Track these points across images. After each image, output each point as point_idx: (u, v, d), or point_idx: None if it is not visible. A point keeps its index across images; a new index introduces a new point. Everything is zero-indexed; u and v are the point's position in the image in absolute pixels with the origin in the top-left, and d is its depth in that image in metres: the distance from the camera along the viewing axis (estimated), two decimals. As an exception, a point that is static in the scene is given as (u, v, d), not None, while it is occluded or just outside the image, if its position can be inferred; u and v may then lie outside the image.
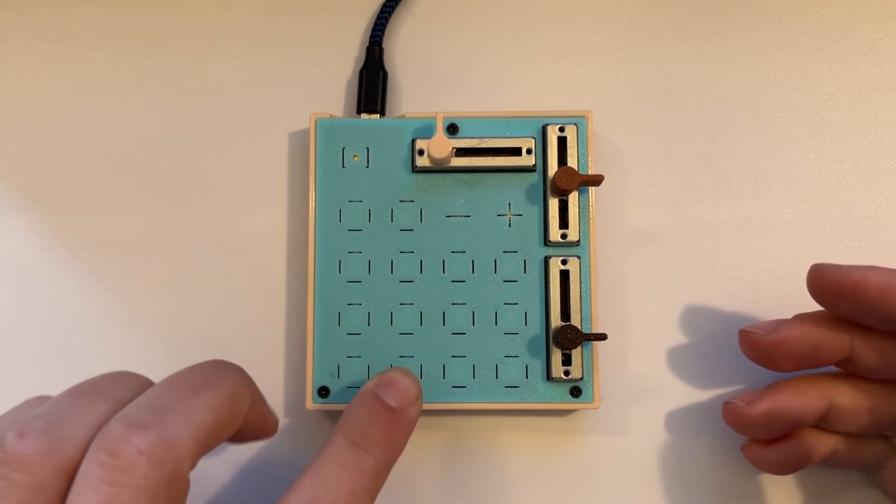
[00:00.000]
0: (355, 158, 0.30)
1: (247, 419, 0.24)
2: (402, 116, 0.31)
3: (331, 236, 0.30)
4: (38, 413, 0.21)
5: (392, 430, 0.25)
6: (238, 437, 0.25)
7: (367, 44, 0.33)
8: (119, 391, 0.22)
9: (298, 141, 0.32)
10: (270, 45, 0.33)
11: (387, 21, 0.32)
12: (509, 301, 0.30)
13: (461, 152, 0.30)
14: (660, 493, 0.30)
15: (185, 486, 0.21)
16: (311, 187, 0.30)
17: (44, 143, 0.33)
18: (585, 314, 0.29)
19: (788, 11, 0.33)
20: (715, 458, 0.30)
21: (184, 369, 0.23)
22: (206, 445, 0.22)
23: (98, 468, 0.19)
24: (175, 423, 0.21)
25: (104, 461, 0.19)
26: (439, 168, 0.30)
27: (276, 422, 0.26)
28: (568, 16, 0.33)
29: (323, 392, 0.29)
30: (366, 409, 0.25)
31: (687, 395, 0.31)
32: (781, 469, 0.28)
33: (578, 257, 0.29)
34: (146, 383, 0.24)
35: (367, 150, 0.30)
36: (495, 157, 0.30)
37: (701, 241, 0.32)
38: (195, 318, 0.31)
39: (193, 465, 0.21)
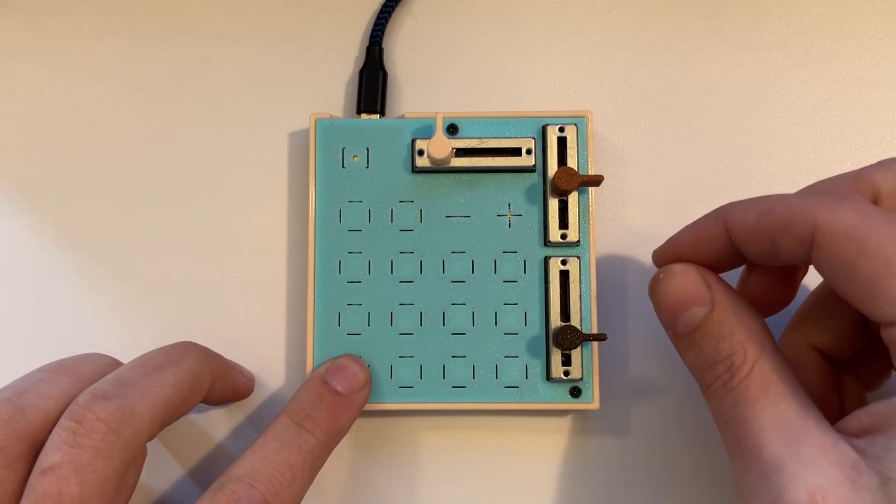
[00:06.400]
0: (355, 159, 0.30)
1: (213, 389, 0.27)
2: (402, 116, 0.31)
3: (331, 236, 0.30)
4: (6, 386, 0.24)
5: (336, 412, 0.27)
6: (211, 402, 0.29)
7: (366, 44, 0.33)
8: (83, 368, 0.25)
9: (298, 141, 0.32)
10: (270, 45, 0.33)
11: (387, 21, 0.32)
12: (509, 301, 0.30)
13: (461, 152, 0.30)
14: (660, 493, 0.30)
15: (141, 452, 0.25)
16: (311, 187, 0.30)
17: (44, 143, 0.33)
18: (585, 314, 0.29)
19: (788, 11, 0.33)
20: (715, 458, 0.30)
21: (150, 350, 0.26)
22: (166, 418, 0.25)
23: (64, 432, 0.22)
24: (134, 396, 0.24)
25: (69, 426, 0.22)
26: (439, 168, 0.30)
27: (247, 385, 0.30)
28: (568, 16, 0.33)
29: (323, 392, 0.29)
30: (312, 393, 0.27)
31: (687, 395, 0.31)
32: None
33: (578, 257, 0.29)
34: (113, 363, 0.27)
35: (367, 150, 0.30)
36: (495, 158, 0.30)
37: (701, 242, 0.32)
38: (195, 318, 0.31)
39: (152, 434, 0.24)
